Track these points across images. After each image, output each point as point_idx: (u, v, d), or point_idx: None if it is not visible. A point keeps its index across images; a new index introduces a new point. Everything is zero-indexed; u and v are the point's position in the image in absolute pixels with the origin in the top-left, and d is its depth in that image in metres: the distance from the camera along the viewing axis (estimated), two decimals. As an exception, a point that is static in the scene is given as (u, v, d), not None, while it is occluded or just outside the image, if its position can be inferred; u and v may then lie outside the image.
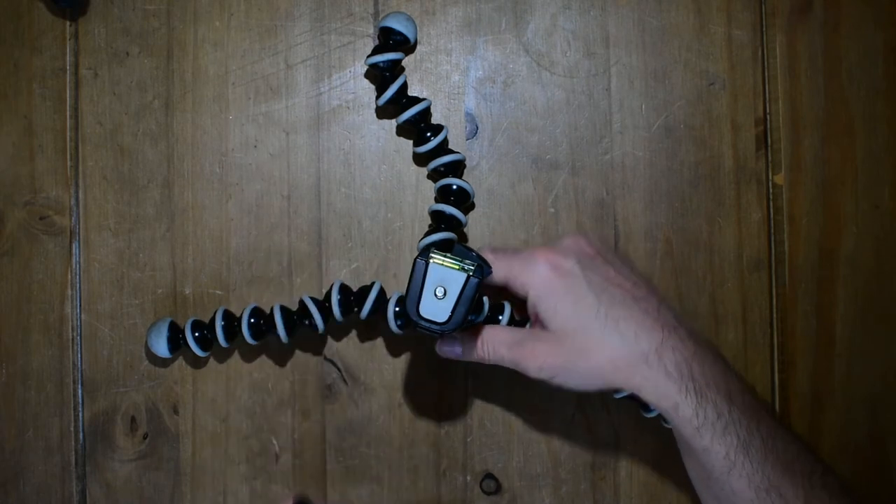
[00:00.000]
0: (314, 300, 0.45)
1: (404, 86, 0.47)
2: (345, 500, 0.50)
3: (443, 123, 0.49)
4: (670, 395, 0.37)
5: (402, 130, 0.50)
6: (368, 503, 0.50)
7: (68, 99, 0.50)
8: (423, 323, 0.36)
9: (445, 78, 0.51)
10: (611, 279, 0.40)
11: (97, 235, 0.50)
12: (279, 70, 0.51)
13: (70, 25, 0.50)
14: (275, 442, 0.50)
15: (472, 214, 0.51)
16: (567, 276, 0.39)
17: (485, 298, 0.43)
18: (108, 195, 0.50)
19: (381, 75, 0.48)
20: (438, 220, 0.47)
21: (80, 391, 0.50)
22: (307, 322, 0.45)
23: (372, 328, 0.50)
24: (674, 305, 0.50)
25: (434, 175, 0.49)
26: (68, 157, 0.50)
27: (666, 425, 0.42)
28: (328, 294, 0.45)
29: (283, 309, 0.45)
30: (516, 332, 0.41)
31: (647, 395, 0.38)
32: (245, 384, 0.50)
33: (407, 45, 0.48)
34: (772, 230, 0.51)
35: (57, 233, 0.50)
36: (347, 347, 0.50)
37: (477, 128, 0.51)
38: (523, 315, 0.43)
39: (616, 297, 0.39)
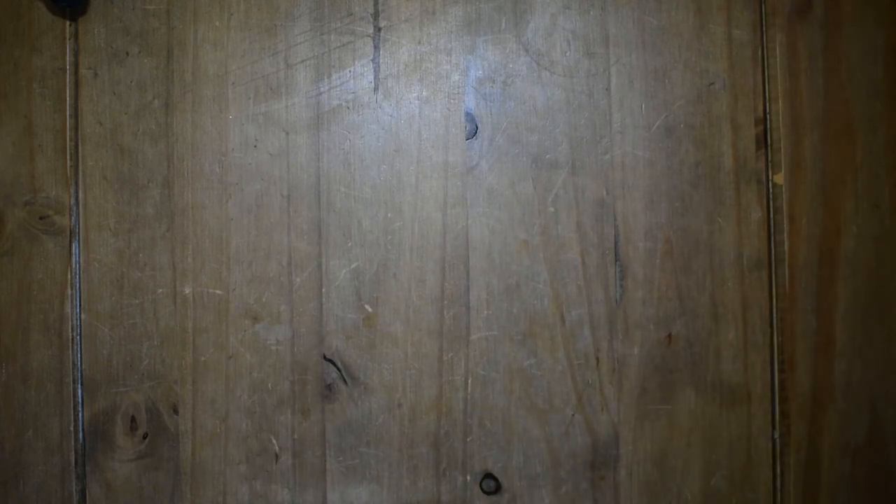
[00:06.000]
0: None
1: None
2: (345, 499, 0.50)
3: (443, 123, 0.49)
4: None
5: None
6: (368, 503, 0.50)
7: (68, 99, 0.50)
8: None
9: (445, 78, 0.51)
10: None
11: (97, 235, 0.50)
12: (279, 70, 0.51)
13: (70, 25, 0.50)
14: (275, 442, 0.50)
15: (472, 214, 0.51)
16: None
17: None
18: (108, 195, 0.50)
19: None
20: None
21: (80, 391, 0.50)
22: None
23: (372, 328, 0.50)
24: (674, 306, 0.50)
25: None
26: (68, 156, 0.50)
27: None
28: None
29: None
30: None
31: None
32: (245, 384, 0.50)
33: None
34: (772, 230, 0.51)
35: (57, 232, 0.50)
36: (347, 347, 0.50)
37: (477, 128, 0.51)
38: None
39: None
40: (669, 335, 0.51)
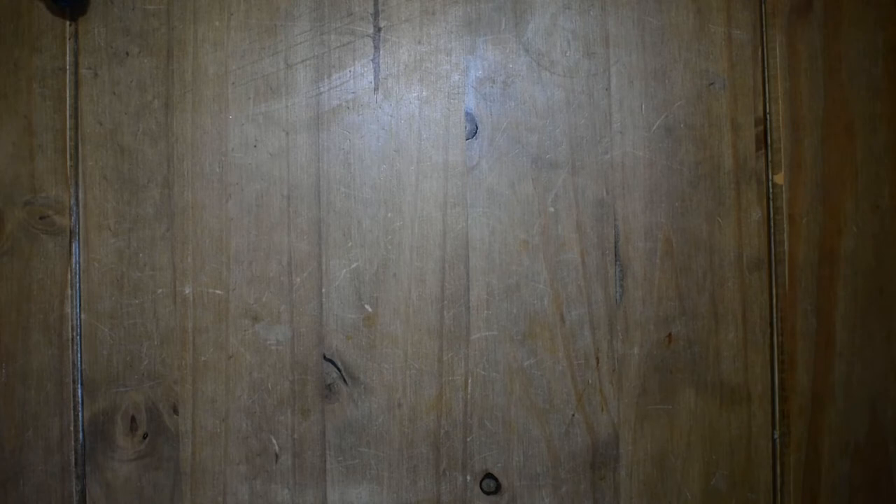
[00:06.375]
0: None
1: None
2: (345, 499, 0.50)
3: (443, 123, 0.49)
4: None
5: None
6: (368, 503, 0.50)
7: (68, 98, 0.50)
8: None
9: (445, 78, 0.51)
10: None
11: (97, 235, 0.50)
12: (279, 70, 0.51)
13: (70, 25, 0.50)
14: (275, 442, 0.50)
15: (472, 214, 0.51)
16: None
17: None
18: (108, 195, 0.50)
19: None
20: None
21: (80, 391, 0.50)
22: None
23: (372, 328, 0.50)
24: (674, 306, 0.50)
25: None
26: (68, 156, 0.50)
27: None
28: None
29: None
30: None
31: None
32: (245, 384, 0.50)
33: None
34: (772, 230, 0.51)
35: (57, 232, 0.50)
36: (347, 347, 0.50)
37: (477, 128, 0.51)
38: None
39: None
40: (669, 335, 0.51)
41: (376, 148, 0.51)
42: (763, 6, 0.51)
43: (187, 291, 0.50)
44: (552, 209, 0.51)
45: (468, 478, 0.50)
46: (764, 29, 0.51)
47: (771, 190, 0.51)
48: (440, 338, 0.50)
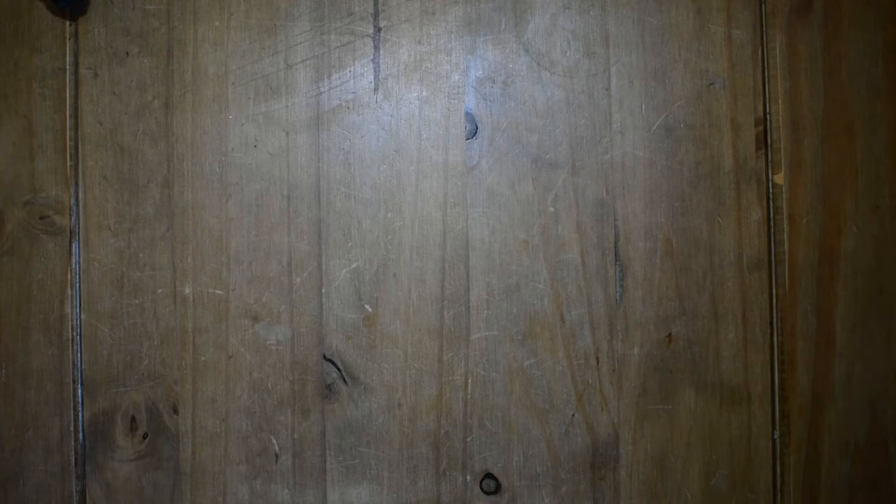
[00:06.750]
0: None
1: None
2: (345, 499, 0.50)
3: (443, 123, 0.50)
4: None
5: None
6: (368, 503, 0.50)
7: (68, 98, 0.50)
8: None
9: (445, 78, 0.51)
10: None
11: (97, 235, 0.50)
12: (279, 70, 0.51)
13: (70, 25, 0.50)
14: (275, 442, 0.50)
15: (472, 214, 0.51)
16: None
17: None
18: (108, 195, 0.50)
19: None
20: None
21: (80, 391, 0.50)
22: None
23: (371, 328, 0.50)
24: (674, 306, 0.50)
25: None
26: (68, 156, 0.50)
27: None
28: None
29: None
30: None
31: None
32: (245, 384, 0.50)
33: None
34: (772, 230, 0.51)
35: (57, 232, 0.50)
36: (347, 347, 0.50)
37: (477, 128, 0.51)
38: None
39: None
40: (669, 335, 0.51)
41: (376, 148, 0.51)
42: (763, 6, 0.51)
43: (187, 291, 0.50)
44: (552, 209, 0.51)
45: (468, 478, 0.50)
46: (764, 29, 0.51)
47: (771, 190, 0.51)
48: (440, 338, 0.50)
